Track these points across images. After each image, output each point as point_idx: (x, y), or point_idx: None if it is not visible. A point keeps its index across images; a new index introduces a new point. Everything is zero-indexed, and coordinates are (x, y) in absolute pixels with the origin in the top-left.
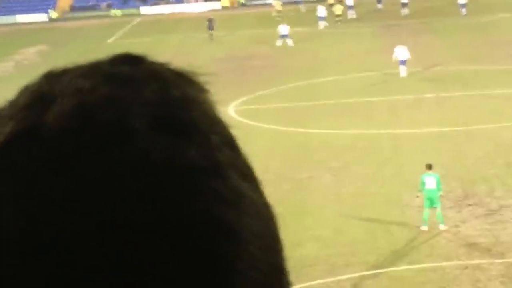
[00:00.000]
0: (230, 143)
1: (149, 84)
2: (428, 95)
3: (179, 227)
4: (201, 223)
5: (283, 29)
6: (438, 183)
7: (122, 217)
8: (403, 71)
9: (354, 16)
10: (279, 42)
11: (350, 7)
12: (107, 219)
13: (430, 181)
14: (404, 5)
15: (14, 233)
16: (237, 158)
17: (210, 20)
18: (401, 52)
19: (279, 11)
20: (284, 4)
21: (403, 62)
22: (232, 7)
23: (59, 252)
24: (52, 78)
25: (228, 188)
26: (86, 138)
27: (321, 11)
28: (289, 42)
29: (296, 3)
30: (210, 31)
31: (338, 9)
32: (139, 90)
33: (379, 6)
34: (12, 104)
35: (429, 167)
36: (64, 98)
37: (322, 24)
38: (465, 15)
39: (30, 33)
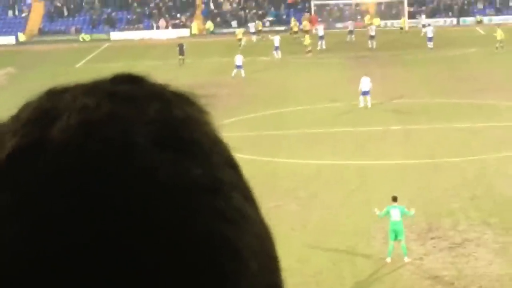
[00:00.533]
0: (231, 164)
1: (151, 103)
2: (395, 127)
3: (184, 244)
4: (206, 242)
5: (238, 59)
6: (403, 214)
7: (127, 233)
8: (363, 101)
9: (324, 47)
10: (234, 73)
11: (320, 37)
12: (111, 234)
13: (395, 213)
14: (371, 37)
15: (18, 243)
16: (238, 178)
17: (180, 46)
18: (364, 83)
19: (239, 40)
20: (251, 33)
21: (365, 93)
22: (200, 34)
23: (62, 262)
24: (54, 95)
25: (231, 208)
26: (91, 153)
27: (276, 40)
28: (241, 73)
29: (254, 33)
30: (180, 56)
31: (306, 39)
32: (142, 108)
33: (350, 37)
34: (14, 119)
35: (394, 199)
36: (68, 114)
37: (276, 54)
38: (432, 48)
39: None
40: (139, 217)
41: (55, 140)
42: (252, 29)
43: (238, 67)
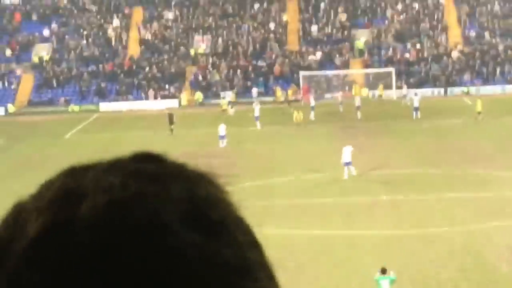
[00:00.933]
0: (255, 243)
1: (175, 183)
2: (383, 197)
3: None
4: None
5: (221, 129)
6: (392, 283)
7: None
8: (347, 172)
9: (313, 118)
10: (221, 144)
11: (311, 108)
12: None
13: (385, 284)
14: (357, 108)
15: None
16: (262, 257)
17: (170, 115)
18: (345, 154)
19: (224, 110)
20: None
21: (347, 164)
22: (190, 105)
23: None
24: (76, 173)
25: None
26: (122, 233)
27: (256, 110)
28: (223, 143)
29: (229, 103)
30: (170, 126)
31: (294, 113)
32: (167, 188)
33: (340, 108)
34: (37, 198)
35: (383, 271)
36: (95, 193)
37: (257, 124)
38: (419, 119)
39: None
40: None
41: (84, 220)
42: (228, 100)
43: (222, 137)
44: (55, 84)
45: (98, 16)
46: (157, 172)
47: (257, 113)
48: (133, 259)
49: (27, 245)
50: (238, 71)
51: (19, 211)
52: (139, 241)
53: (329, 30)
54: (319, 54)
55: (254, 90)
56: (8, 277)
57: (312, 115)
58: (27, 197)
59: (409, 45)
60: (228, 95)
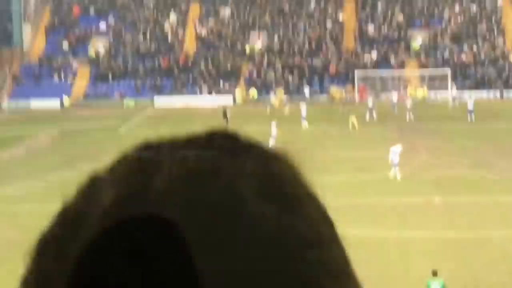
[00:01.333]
0: (327, 219)
1: (249, 157)
2: (435, 199)
3: None
4: None
5: (273, 127)
6: (442, 286)
7: (235, 284)
8: (397, 174)
9: (372, 118)
10: (271, 143)
11: (370, 109)
12: (219, 285)
13: (435, 286)
14: (410, 109)
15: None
16: (335, 234)
17: (224, 111)
18: (394, 154)
19: (276, 108)
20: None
21: (394, 165)
22: (244, 102)
23: None
24: (151, 148)
25: (334, 262)
26: (197, 204)
27: (303, 110)
28: (273, 141)
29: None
30: (224, 122)
31: (352, 117)
32: (241, 161)
33: (394, 109)
34: (112, 170)
35: (434, 273)
36: (170, 165)
37: (304, 123)
38: (473, 121)
39: (43, 119)
40: (247, 269)
41: (158, 190)
42: (281, 98)
43: (272, 136)
44: (110, 78)
45: (155, 11)
46: (231, 147)
47: (304, 112)
48: (205, 232)
49: (101, 214)
50: (293, 69)
51: (93, 182)
52: (216, 211)
53: (386, 30)
54: (374, 54)
55: (307, 89)
56: (83, 247)
57: (371, 114)
58: (102, 169)
59: (465, 47)
60: (278, 93)
